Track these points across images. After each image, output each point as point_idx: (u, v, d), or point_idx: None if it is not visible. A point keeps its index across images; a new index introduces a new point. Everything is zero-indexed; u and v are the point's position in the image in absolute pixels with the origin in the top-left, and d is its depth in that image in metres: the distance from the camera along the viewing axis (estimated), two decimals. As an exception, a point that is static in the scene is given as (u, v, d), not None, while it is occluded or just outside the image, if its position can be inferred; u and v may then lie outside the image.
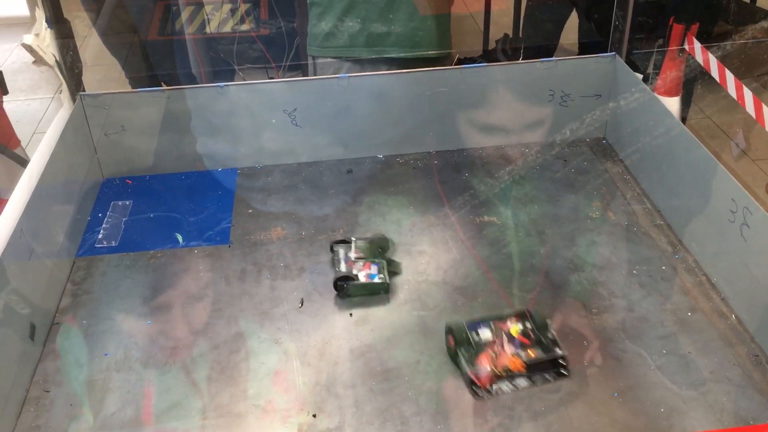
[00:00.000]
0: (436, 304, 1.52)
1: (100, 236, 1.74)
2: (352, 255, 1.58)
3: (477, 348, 1.35)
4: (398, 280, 1.59)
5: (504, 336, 1.37)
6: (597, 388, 1.32)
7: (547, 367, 1.33)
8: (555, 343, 1.35)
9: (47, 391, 1.36)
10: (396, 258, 1.65)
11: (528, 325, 1.39)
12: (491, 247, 1.67)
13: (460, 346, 1.36)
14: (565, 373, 1.33)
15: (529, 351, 1.34)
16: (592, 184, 1.86)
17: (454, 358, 1.37)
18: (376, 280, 1.53)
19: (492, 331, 1.38)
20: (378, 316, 1.50)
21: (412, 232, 1.73)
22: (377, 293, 1.54)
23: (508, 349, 1.34)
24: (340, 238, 1.68)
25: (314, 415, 1.29)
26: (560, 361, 1.33)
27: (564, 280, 1.56)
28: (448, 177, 1.92)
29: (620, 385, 1.32)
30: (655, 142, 1.78)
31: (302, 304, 1.54)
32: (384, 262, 1.57)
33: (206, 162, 1.98)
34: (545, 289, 1.54)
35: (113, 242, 1.72)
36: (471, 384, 1.31)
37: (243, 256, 1.68)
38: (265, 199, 1.87)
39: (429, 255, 1.66)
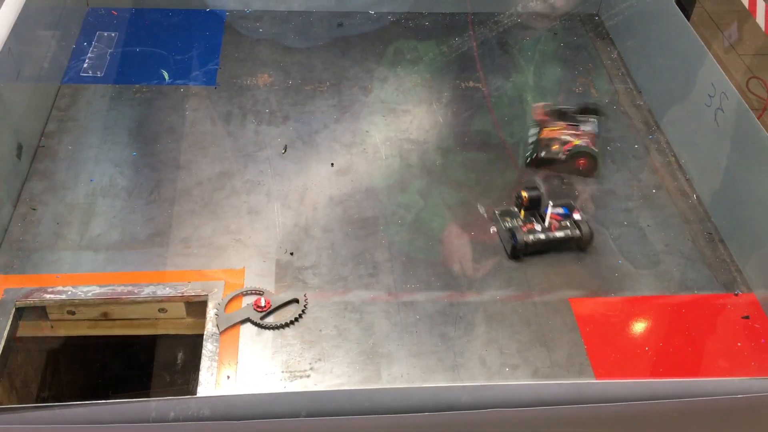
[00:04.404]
0: (416, 161, 1.57)
1: (85, 65, 1.73)
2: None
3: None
4: (381, 136, 1.63)
5: None
6: (559, 252, 1.40)
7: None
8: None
9: (34, 209, 1.40)
10: (381, 115, 1.68)
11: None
12: (473, 113, 1.70)
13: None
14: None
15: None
16: (579, 60, 1.88)
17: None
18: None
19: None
20: (359, 168, 1.55)
21: (398, 91, 1.75)
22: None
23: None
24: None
25: (291, 253, 1.36)
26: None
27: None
28: (438, 40, 1.92)
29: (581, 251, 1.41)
30: (645, 21, 1.79)
31: (285, 150, 1.57)
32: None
33: (194, 0, 1.94)
34: (520, 159, 1.60)
35: (98, 73, 1.71)
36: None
37: (229, 99, 1.69)
38: (253, 45, 1.86)
39: (413, 115, 1.69)
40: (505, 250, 1.38)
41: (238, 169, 1.52)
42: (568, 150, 1.51)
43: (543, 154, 1.50)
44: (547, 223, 1.40)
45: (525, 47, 1.91)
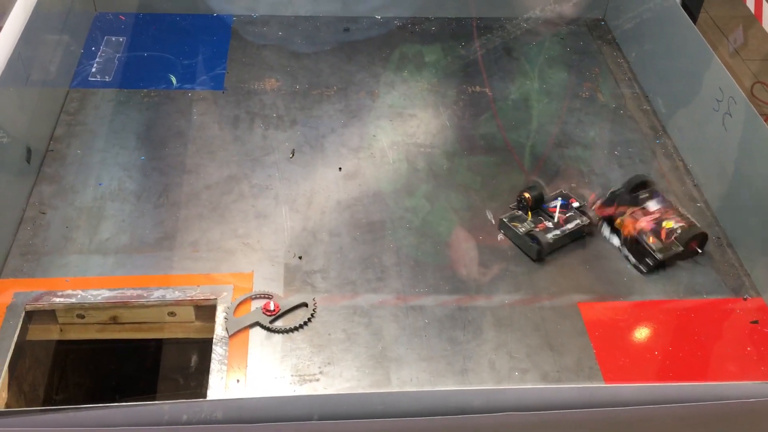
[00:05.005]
0: (423, 166, 1.58)
1: (93, 70, 1.73)
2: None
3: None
4: (388, 140, 1.63)
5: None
6: (567, 256, 1.40)
7: None
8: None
9: (43, 213, 1.40)
10: (388, 119, 1.68)
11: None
12: (479, 117, 1.71)
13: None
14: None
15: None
16: (585, 65, 1.88)
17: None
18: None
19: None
20: (366, 172, 1.55)
21: (405, 95, 1.75)
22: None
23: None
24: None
25: (300, 257, 1.36)
26: None
27: (546, 153, 1.61)
28: (444, 44, 1.92)
29: (589, 255, 1.41)
30: (652, 27, 1.79)
31: (293, 155, 1.58)
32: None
33: (201, 5, 1.95)
34: (527, 163, 1.60)
35: (107, 77, 1.72)
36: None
37: (236, 104, 1.69)
38: (260, 50, 1.86)
39: (419, 119, 1.70)
40: (527, 254, 1.38)
41: (245, 173, 1.53)
42: (676, 237, 1.37)
43: (660, 256, 1.35)
44: (556, 219, 1.41)
45: (531, 52, 1.91)
